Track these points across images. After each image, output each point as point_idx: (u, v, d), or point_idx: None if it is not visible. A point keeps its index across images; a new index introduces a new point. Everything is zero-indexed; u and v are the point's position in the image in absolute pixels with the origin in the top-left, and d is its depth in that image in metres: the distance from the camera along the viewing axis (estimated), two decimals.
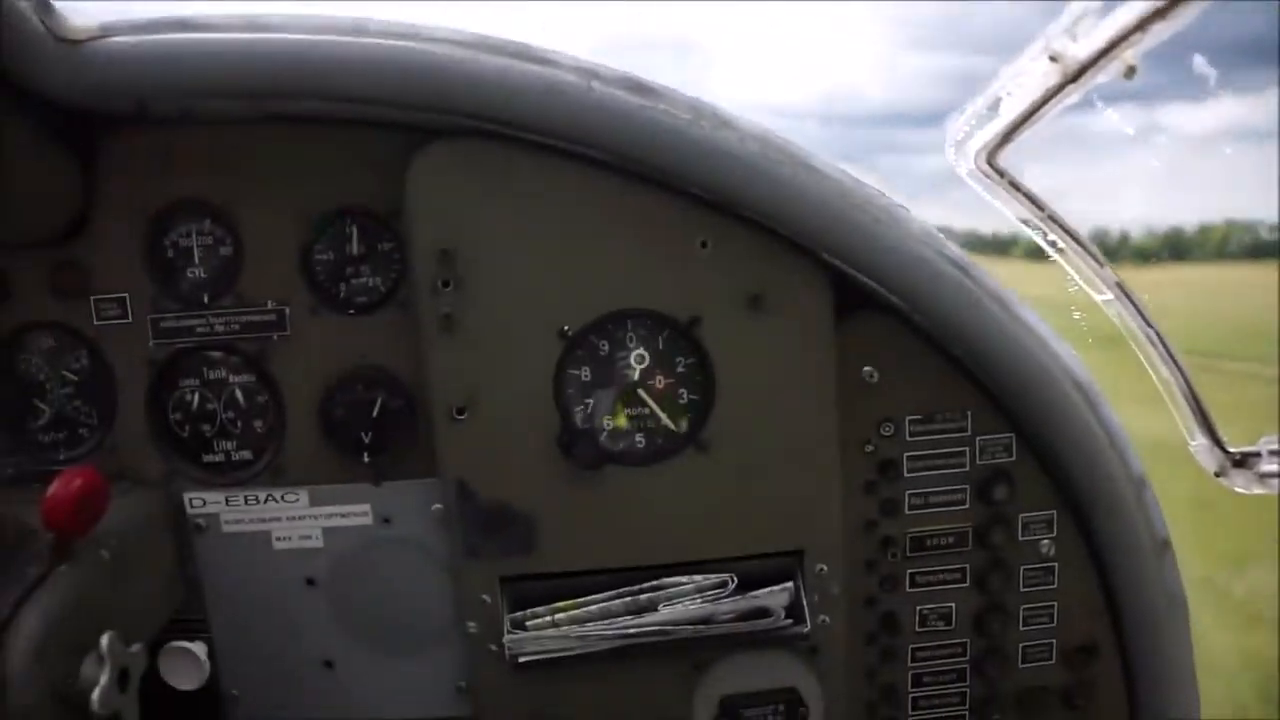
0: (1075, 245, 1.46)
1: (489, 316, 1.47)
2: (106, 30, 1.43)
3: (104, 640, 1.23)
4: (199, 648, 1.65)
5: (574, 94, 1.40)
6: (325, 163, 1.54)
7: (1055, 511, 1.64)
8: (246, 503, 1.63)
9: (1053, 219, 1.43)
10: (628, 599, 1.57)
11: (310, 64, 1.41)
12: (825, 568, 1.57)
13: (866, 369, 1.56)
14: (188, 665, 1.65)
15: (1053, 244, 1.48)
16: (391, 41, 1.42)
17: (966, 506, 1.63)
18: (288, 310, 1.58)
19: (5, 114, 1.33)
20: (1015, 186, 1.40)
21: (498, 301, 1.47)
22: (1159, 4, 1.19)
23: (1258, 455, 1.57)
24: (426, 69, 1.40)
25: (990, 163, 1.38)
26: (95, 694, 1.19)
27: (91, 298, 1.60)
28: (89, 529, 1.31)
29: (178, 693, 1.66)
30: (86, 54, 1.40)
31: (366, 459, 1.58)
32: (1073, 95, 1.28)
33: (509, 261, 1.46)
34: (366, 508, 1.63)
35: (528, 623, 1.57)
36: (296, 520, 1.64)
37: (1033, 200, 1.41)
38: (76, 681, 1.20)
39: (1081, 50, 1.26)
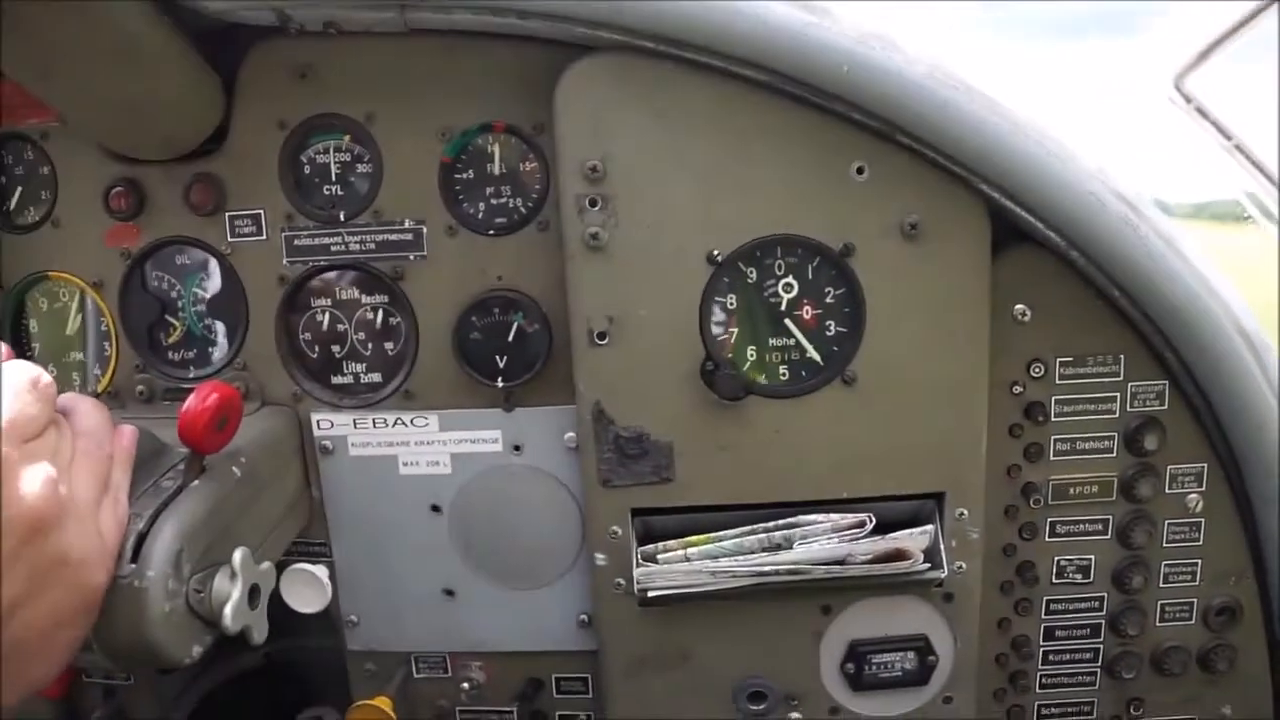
0: (1262, 178, 1.46)
1: (636, 238, 1.51)
2: None
3: (237, 555, 1.30)
4: (321, 571, 1.72)
5: (734, 9, 1.42)
6: (470, 79, 1.59)
7: (1206, 465, 1.66)
8: (375, 426, 1.70)
9: (1239, 149, 1.44)
10: (762, 536, 1.61)
11: None
12: (965, 512, 1.61)
13: (1019, 307, 1.59)
14: (311, 588, 1.71)
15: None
16: None
17: (1114, 455, 1.66)
18: (425, 230, 1.63)
19: (150, 24, 1.40)
20: (1203, 113, 1.41)
21: (646, 223, 1.51)
22: None
23: None
24: None
25: (1179, 88, 1.39)
26: (227, 608, 1.26)
27: (226, 214, 1.67)
28: (223, 445, 1.39)
29: (298, 617, 1.73)
30: None
31: (500, 384, 1.63)
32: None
33: (659, 182, 1.50)
34: (497, 434, 1.69)
35: (659, 557, 1.62)
36: (425, 445, 1.70)
37: (1220, 129, 1.42)
38: (209, 595, 1.27)
39: None
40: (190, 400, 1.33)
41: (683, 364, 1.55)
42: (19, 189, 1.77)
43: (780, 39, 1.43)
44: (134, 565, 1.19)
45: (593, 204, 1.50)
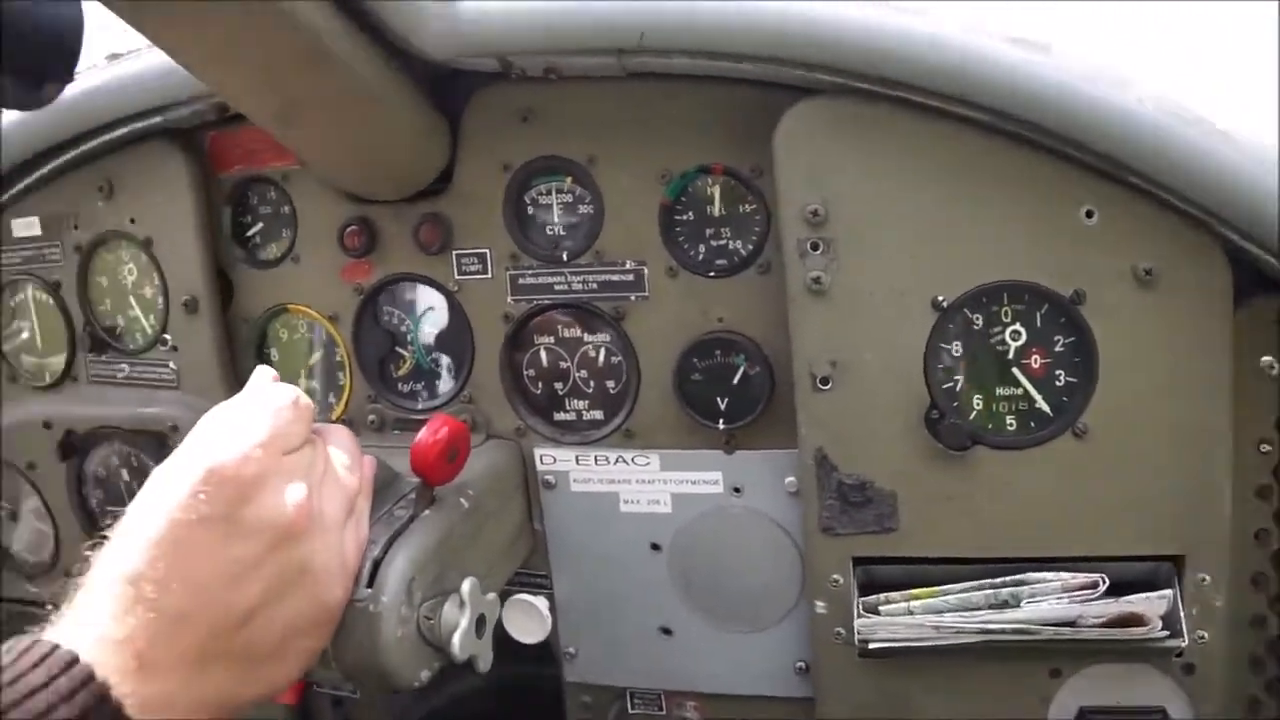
0: None
1: (860, 282, 1.51)
2: None
3: (466, 586, 1.38)
4: (542, 602, 1.79)
5: (957, 48, 1.40)
6: (689, 121, 1.62)
7: None
8: (597, 463, 1.76)
9: None
10: (988, 592, 1.58)
11: (682, 19, 1.48)
12: (1208, 578, 1.53)
13: (1266, 359, 1.49)
14: (532, 619, 1.80)
15: None
16: None
17: None
18: (646, 271, 1.68)
19: (383, 73, 1.49)
20: None
21: (870, 267, 1.51)
22: None
23: None
24: (801, 23, 1.44)
25: None
26: (456, 636, 1.33)
27: (453, 252, 1.75)
28: (452, 476, 1.48)
29: (516, 645, 1.81)
30: (459, 11, 1.52)
31: (722, 426, 1.65)
32: None
33: (883, 225, 1.49)
34: (718, 476, 1.72)
35: (881, 608, 1.61)
36: (646, 484, 1.75)
37: None
38: (438, 622, 1.34)
39: None
40: (422, 433, 1.42)
41: (907, 411, 1.54)
42: (262, 226, 1.91)
43: (1004, 78, 1.40)
44: (369, 590, 1.29)
45: (814, 248, 1.50)
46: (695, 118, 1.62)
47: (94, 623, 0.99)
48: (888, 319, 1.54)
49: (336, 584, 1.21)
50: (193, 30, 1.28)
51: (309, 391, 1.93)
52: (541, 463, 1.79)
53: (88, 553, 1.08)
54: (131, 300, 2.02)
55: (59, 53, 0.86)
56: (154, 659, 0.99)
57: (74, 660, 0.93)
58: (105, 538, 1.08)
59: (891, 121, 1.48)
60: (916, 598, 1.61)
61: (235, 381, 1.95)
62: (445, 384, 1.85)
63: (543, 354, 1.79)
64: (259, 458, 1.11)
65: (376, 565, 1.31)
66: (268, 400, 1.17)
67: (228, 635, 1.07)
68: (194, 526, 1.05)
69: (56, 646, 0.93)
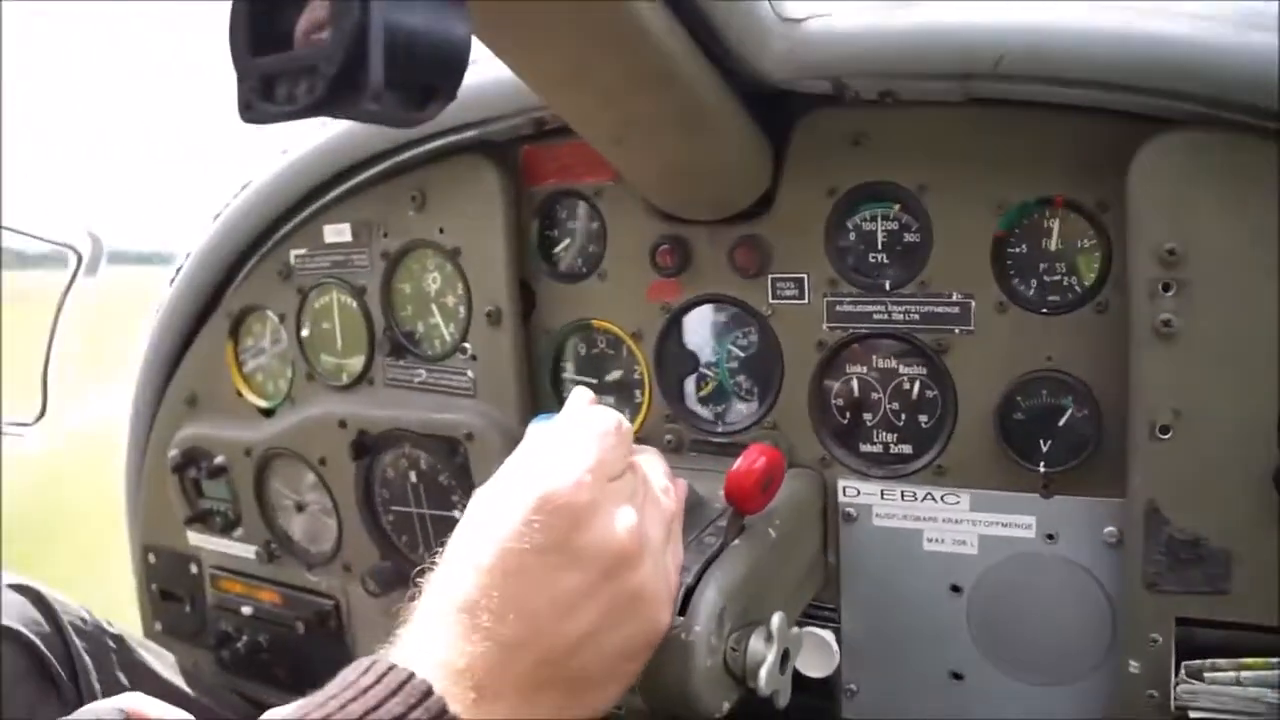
0: None
1: (1213, 327, 1.45)
2: (823, 8, 1.55)
3: (775, 619, 1.36)
4: (830, 636, 1.77)
5: None
6: (1030, 150, 1.59)
7: None
8: (903, 498, 1.73)
9: None
10: None
11: (1042, 43, 1.45)
12: None
13: None
14: (819, 652, 1.79)
15: None
16: (1129, 18, 1.42)
17: None
18: (973, 304, 1.65)
19: (715, 93, 1.50)
20: None
21: (1225, 311, 1.44)
22: None
23: None
24: (1167, 48, 1.40)
25: None
26: (763, 670, 1.31)
27: (769, 276, 1.75)
28: (763, 506, 1.47)
29: (795, 676, 1.79)
30: (804, 32, 1.53)
31: (1042, 469, 1.61)
32: None
33: (1244, 267, 1.43)
34: (1031, 520, 1.67)
35: (1205, 674, 1.53)
36: (953, 523, 1.72)
37: None
38: (743, 654, 1.32)
39: None
40: (740, 460, 1.42)
41: (1253, 466, 1.47)
42: (568, 241, 1.96)
43: None
44: (682, 618, 1.28)
45: (1166, 289, 1.45)
46: (1037, 147, 1.59)
47: (434, 651, 1.02)
48: (1241, 368, 1.47)
49: (664, 609, 1.21)
50: (548, 52, 1.31)
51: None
52: (844, 495, 1.78)
53: (418, 579, 1.11)
54: (433, 308, 2.10)
55: (446, 71, 0.86)
56: (490, 687, 1.01)
57: (429, 691, 0.95)
58: (434, 563, 1.12)
59: (1262, 155, 1.41)
60: (1248, 667, 1.53)
61: (531, 393, 2.00)
62: (744, 408, 1.86)
63: (853, 384, 1.78)
64: (589, 484, 1.12)
65: (689, 593, 1.30)
66: (592, 425, 1.18)
67: (561, 662, 1.08)
68: (527, 555, 1.07)
69: (412, 675, 0.96)
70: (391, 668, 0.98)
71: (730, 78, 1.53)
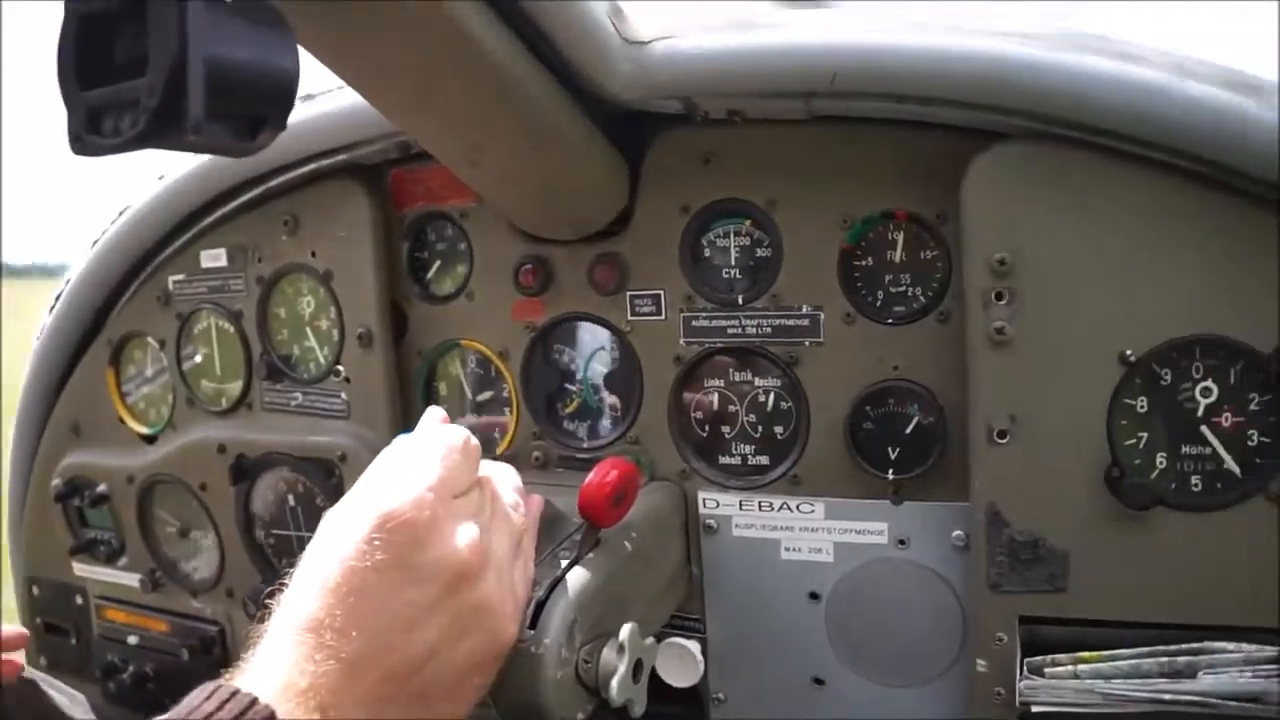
0: None
1: (1045, 334, 1.46)
2: (668, 31, 1.55)
3: (625, 630, 1.34)
4: (694, 646, 1.76)
5: (1163, 95, 1.36)
6: (872, 165, 1.60)
7: None
8: (760, 508, 1.73)
9: None
10: (1163, 659, 1.50)
11: (875, 62, 1.47)
12: None
13: None
14: (683, 662, 1.77)
15: None
16: (955, 37, 1.45)
17: None
18: (822, 316, 1.65)
19: (568, 114, 1.49)
20: None
21: (1056, 319, 1.46)
22: None
23: None
24: (993, 66, 1.41)
25: None
26: (614, 681, 1.30)
27: (627, 293, 1.75)
28: (619, 519, 1.45)
29: (662, 685, 1.77)
30: (649, 53, 1.53)
31: (891, 476, 1.61)
32: None
33: (1071, 276, 1.45)
34: (883, 527, 1.68)
35: (1045, 670, 1.54)
36: (808, 532, 1.72)
37: None
38: (596, 666, 1.31)
39: None
40: (592, 474, 1.40)
41: (1086, 468, 1.48)
42: (438, 263, 1.94)
43: (1214, 125, 1.35)
44: (532, 631, 1.26)
45: (999, 298, 1.46)
46: (880, 162, 1.60)
47: (279, 672, 1.00)
48: (1072, 373, 1.48)
49: (509, 622, 1.19)
50: (388, 72, 1.30)
51: (474, 427, 1.94)
52: (704, 506, 1.77)
53: (267, 600, 1.09)
54: (308, 331, 2.06)
55: (277, 101, 0.87)
56: (334, 706, 0.99)
57: (271, 716, 0.94)
58: (284, 585, 1.09)
59: (1087, 168, 1.44)
60: (1085, 661, 1.54)
61: (404, 414, 1.97)
62: (611, 424, 1.85)
63: (711, 397, 1.77)
64: (431, 501, 1.11)
65: (540, 606, 1.29)
66: (437, 443, 1.17)
67: (406, 678, 1.06)
68: (369, 573, 1.06)
69: (254, 700, 0.95)
70: (235, 693, 0.95)
71: (581, 99, 1.52)
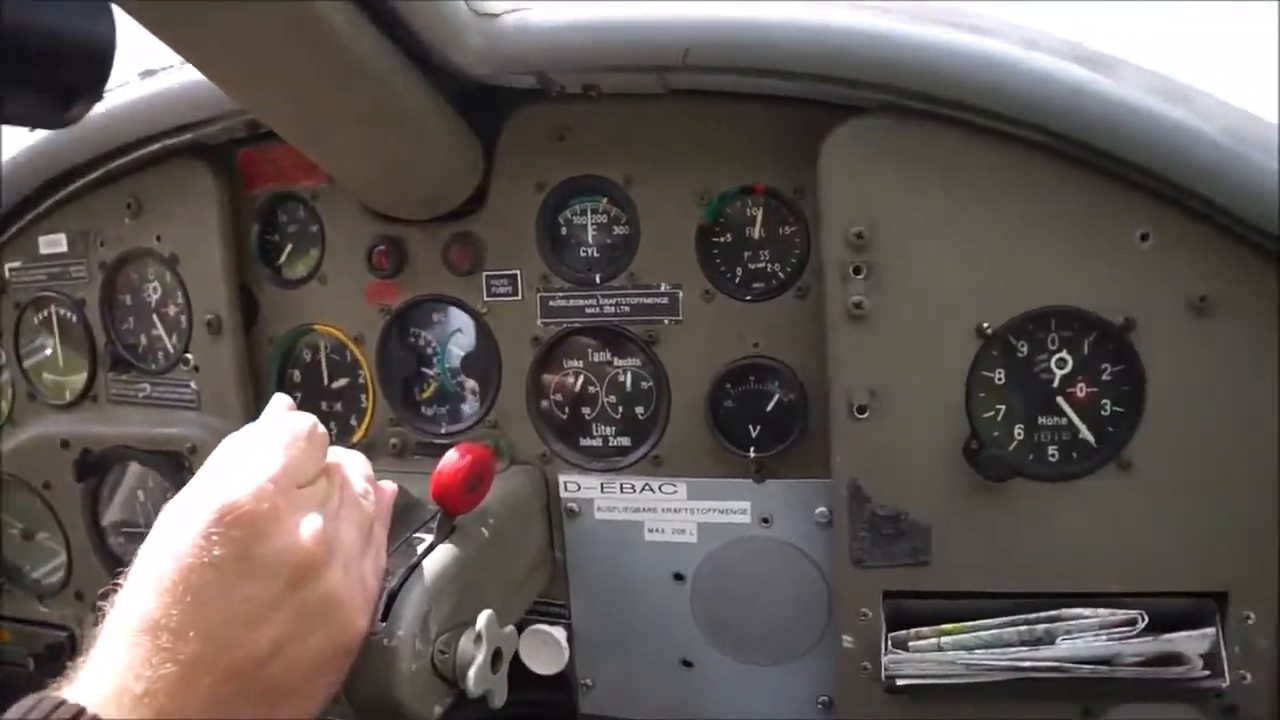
0: None
1: (902, 308, 1.43)
2: (519, 5, 1.48)
3: (482, 619, 1.28)
4: (559, 633, 1.70)
5: (1011, 67, 1.34)
6: (729, 140, 1.55)
7: None
8: (622, 490, 1.67)
9: None
10: (1023, 628, 1.49)
11: (727, 35, 1.42)
12: (1253, 616, 1.44)
13: None
14: (548, 649, 1.71)
15: None
16: (811, 10, 1.41)
17: None
18: (681, 294, 1.60)
19: (416, 89, 1.41)
20: None
21: (913, 292, 1.43)
22: None
23: None
24: (845, 39, 1.38)
25: None
26: (471, 671, 1.24)
27: (483, 274, 1.67)
28: (474, 505, 1.39)
29: (531, 674, 1.71)
30: (499, 26, 1.46)
31: (752, 454, 1.57)
32: None
33: (927, 249, 1.42)
34: (746, 505, 1.63)
35: (910, 643, 1.52)
36: (672, 513, 1.67)
37: None
38: (453, 656, 1.25)
39: None
40: (444, 461, 1.33)
41: (945, 441, 1.46)
42: (290, 246, 1.84)
43: (1065, 98, 1.33)
44: (384, 623, 1.19)
45: (856, 272, 1.43)
46: (736, 137, 1.55)
47: (112, 678, 0.91)
48: (929, 346, 1.46)
49: (359, 615, 1.12)
50: (223, 46, 1.21)
51: (332, 414, 1.85)
52: (565, 490, 1.70)
53: (101, 602, 1.00)
54: (155, 319, 1.94)
55: (89, 70, 0.81)
56: (175, 709, 0.91)
57: (79, 712, 0.86)
58: (119, 584, 1.00)
59: (941, 142, 1.41)
60: (947, 633, 1.52)
61: (257, 402, 1.87)
62: (470, 408, 1.77)
63: (571, 378, 1.71)
64: (271, 491, 1.03)
65: (392, 597, 1.21)
66: (281, 431, 1.10)
67: (250, 676, 0.98)
68: (207, 570, 0.97)
69: (81, 711, 0.86)
70: (60, 704, 0.86)
71: (431, 74, 1.44)
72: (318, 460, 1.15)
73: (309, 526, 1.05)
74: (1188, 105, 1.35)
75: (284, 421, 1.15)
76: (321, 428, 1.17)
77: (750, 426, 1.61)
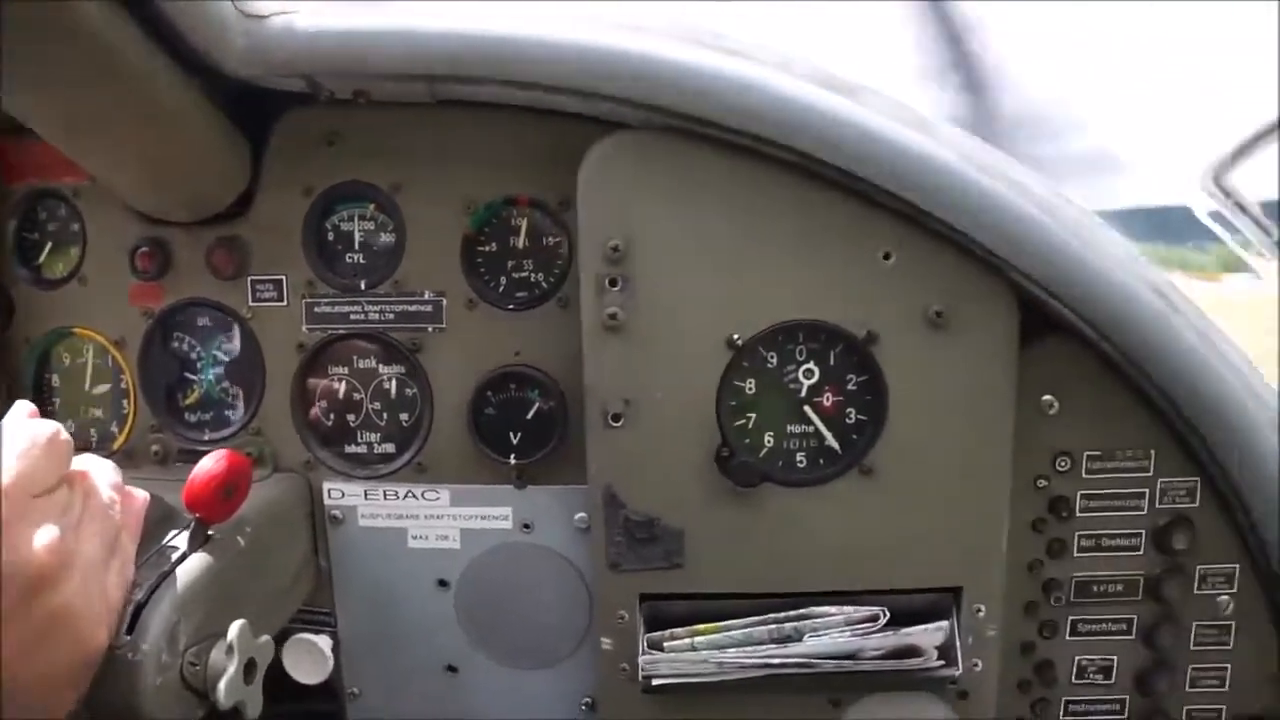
0: None
1: (656, 319, 1.46)
2: (288, 7, 1.45)
3: (233, 629, 1.24)
4: (324, 642, 1.66)
5: (764, 90, 1.38)
6: (497, 151, 1.56)
7: (1238, 566, 1.57)
8: (386, 497, 1.65)
9: None
10: (772, 627, 1.54)
11: (493, 49, 1.42)
12: (983, 608, 1.53)
13: (1046, 398, 1.52)
14: (312, 658, 1.66)
15: None
16: (575, 28, 1.43)
17: (1140, 553, 1.58)
18: (444, 302, 1.60)
19: (180, 88, 1.37)
20: (1242, 208, 1.36)
21: (666, 305, 1.46)
22: None
23: None
24: (610, 58, 1.40)
25: (1218, 182, 1.34)
26: (221, 683, 1.20)
27: (249, 278, 1.63)
28: (230, 514, 1.35)
29: (297, 684, 1.67)
30: (266, 28, 1.43)
31: (513, 461, 1.58)
32: None
33: (681, 264, 1.45)
34: (508, 511, 1.64)
35: (665, 644, 1.55)
36: (435, 519, 1.65)
37: (1261, 225, 1.37)
38: (204, 668, 1.21)
39: None
40: (197, 469, 1.29)
41: (698, 449, 1.49)
42: (49, 245, 1.75)
43: (813, 121, 1.39)
44: (129, 637, 1.14)
45: (612, 284, 1.45)
46: (503, 148, 1.56)
47: None
48: (682, 357, 1.49)
49: (99, 628, 1.07)
50: None
51: (93, 421, 1.76)
52: (329, 497, 1.67)
53: None
54: None
55: None
56: None
57: None
58: None
59: (697, 159, 1.44)
60: (701, 634, 1.56)
61: (7, 406, 1.76)
62: (235, 414, 1.71)
63: (336, 385, 1.68)
64: (2, 502, 0.97)
65: (139, 609, 1.16)
66: (18, 439, 1.04)
67: None
68: None
69: None
70: None
71: (196, 74, 1.39)
72: (57, 469, 1.08)
73: (44, 537, 0.99)
74: (929, 132, 1.43)
75: (21, 429, 1.08)
76: (65, 435, 1.10)
77: (511, 434, 1.61)
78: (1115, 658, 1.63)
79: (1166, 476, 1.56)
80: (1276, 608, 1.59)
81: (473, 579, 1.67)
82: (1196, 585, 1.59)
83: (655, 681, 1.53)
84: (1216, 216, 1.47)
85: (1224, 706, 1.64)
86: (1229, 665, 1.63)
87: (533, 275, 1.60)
